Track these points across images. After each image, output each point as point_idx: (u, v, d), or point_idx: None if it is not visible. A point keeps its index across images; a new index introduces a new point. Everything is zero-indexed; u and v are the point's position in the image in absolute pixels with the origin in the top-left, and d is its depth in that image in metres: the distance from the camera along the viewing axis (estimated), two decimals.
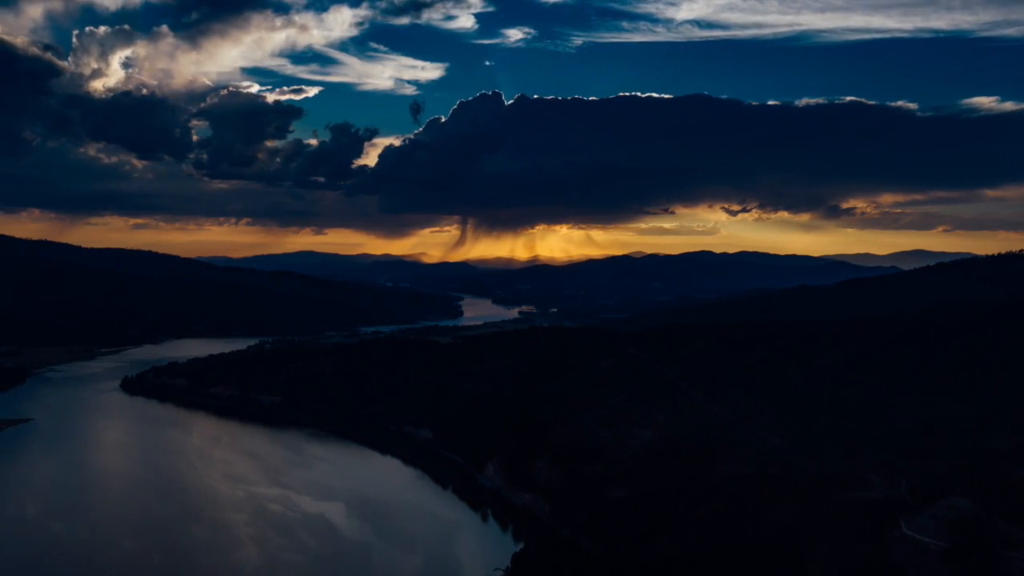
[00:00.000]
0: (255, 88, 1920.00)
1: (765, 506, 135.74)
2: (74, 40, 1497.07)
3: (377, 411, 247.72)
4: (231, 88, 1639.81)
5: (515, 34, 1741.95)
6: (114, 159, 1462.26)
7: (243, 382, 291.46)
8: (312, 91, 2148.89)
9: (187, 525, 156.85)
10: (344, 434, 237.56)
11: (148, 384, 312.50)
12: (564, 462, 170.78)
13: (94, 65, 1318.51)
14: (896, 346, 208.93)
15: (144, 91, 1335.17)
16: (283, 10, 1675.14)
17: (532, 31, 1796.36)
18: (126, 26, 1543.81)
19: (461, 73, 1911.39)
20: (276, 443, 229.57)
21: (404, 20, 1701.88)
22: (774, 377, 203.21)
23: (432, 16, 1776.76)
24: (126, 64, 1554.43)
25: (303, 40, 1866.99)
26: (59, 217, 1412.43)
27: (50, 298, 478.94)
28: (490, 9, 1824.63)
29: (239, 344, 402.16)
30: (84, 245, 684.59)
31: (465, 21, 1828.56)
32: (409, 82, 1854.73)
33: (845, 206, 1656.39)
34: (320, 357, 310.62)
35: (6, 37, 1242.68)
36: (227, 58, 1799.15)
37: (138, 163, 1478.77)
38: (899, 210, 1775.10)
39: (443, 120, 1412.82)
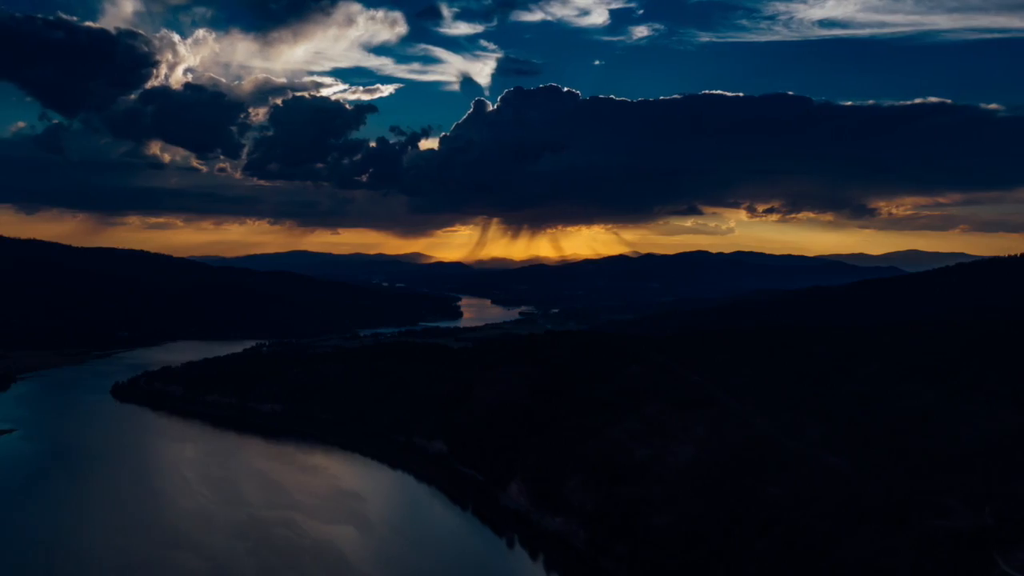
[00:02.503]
0: (337, 87, 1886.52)
1: (834, 537, 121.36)
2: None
3: (385, 421, 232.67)
4: (298, 88, 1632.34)
5: (641, 31, 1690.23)
6: (167, 157, 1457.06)
7: (241, 389, 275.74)
8: (388, 89, 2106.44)
9: (183, 555, 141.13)
10: (350, 446, 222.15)
11: (140, 390, 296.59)
12: (598, 482, 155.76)
13: (165, 65, 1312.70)
14: (945, 352, 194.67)
15: (214, 88, 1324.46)
16: (374, 5, 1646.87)
17: (661, 27, 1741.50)
18: (202, 29, 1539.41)
19: (559, 72, 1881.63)
20: (278, 457, 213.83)
21: (535, 16, 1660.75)
22: (816, 386, 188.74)
23: (565, 13, 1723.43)
24: (192, 67, 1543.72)
25: (383, 36, 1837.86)
26: (73, 216, 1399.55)
27: (38, 299, 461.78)
28: (630, 5, 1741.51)
29: (234, 347, 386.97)
30: (76, 244, 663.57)
31: (597, 17, 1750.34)
32: (504, 80, 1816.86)
33: (871, 206, 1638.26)
34: (321, 362, 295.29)
35: (105, 26, 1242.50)
36: (304, 55, 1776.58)
37: (197, 163, 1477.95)
38: (926, 212, 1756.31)
39: (491, 108, 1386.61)
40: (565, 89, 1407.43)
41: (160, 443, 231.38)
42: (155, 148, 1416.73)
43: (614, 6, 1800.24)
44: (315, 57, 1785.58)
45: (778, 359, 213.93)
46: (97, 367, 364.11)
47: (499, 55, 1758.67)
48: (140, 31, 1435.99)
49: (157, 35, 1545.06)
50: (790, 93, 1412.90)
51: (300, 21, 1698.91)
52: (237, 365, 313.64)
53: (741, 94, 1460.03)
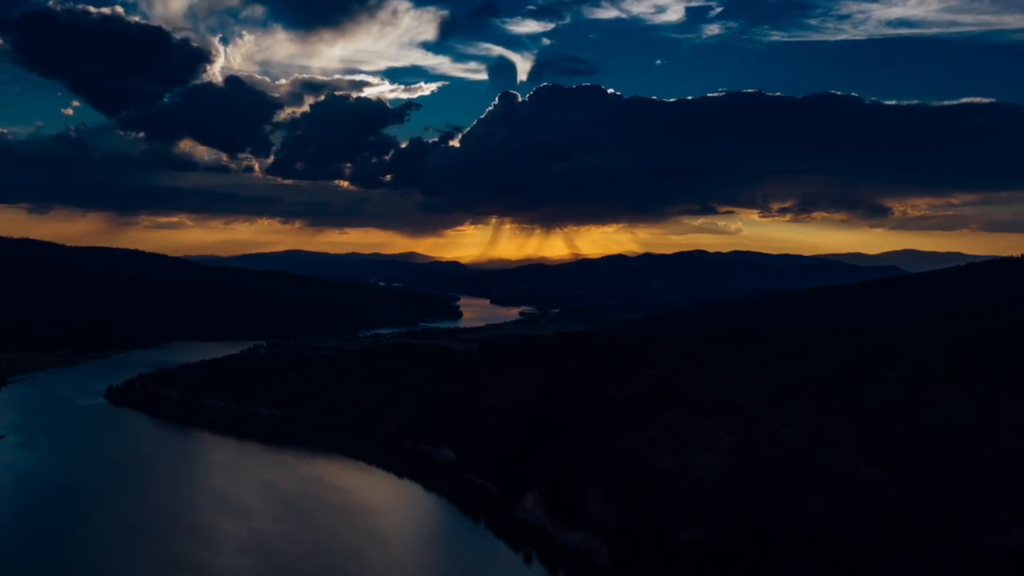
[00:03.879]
0: (383, 86, 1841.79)
1: (880, 555, 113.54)
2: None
3: (389, 427, 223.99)
4: (339, 87, 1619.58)
5: (713, 29, 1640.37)
6: (196, 155, 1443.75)
7: (239, 393, 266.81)
8: (430, 88, 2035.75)
9: (182, 575, 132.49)
10: (354, 453, 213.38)
11: (135, 394, 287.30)
12: (620, 494, 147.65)
13: (211, 63, 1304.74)
14: (977, 355, 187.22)
15: (254, 86, 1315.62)
16: (424, 4, 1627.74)
17: (734, 25, 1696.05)
18: (245, 28, 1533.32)
19: (617, 71, 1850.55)
20: (280, 465, 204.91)
21: (609, 14, 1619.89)
22: (844, 392, 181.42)
23: (641, 9, 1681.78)
24: (235, 65, 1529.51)
25: (431, 34, 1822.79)
26: (84, 216, 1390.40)
27: (30, 299, 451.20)
28: (708, 2, 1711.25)
29: (231, 348, 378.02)
30: (84, 244, 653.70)
31: (672, 15, 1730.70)
32: (558, 79, 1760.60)
33: (886, 206, 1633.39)
34: (322, 365, 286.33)
35: (163, 25, 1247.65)
36: (354, 54, 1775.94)
37: (226, 162, 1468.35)
38: (939, 212, 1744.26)
39: (520, 100, 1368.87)
40: (610, 91, 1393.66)
41: (156, 451, 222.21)
42: (185, 147, 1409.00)
43: (693, 4, 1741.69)
44: (370, 56, 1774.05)
45: (799, 362, 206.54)
46: (91, 369, 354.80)
47: (551, 51, 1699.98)
48: (191, 29, 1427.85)
49: (203, 34, 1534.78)
50: (837, 93, 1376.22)
51: (347, 19, 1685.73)
52: (234, 367, 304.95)
53: (779, 94, 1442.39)
